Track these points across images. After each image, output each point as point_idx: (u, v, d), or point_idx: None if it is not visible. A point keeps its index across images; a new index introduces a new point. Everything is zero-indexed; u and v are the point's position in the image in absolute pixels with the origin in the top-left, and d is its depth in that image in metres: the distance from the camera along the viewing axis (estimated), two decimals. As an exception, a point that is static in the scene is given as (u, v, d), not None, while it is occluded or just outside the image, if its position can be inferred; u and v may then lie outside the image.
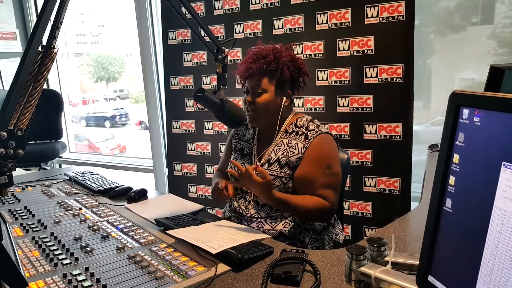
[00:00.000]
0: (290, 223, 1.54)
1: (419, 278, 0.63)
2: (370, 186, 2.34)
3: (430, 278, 0.61)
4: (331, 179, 1.52)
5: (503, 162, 0.49)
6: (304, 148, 1.53)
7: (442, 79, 2.73)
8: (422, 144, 2.41)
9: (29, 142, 3.34)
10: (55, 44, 1.02)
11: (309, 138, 1.54)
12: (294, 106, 2.02)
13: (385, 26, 2.17)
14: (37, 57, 0.98)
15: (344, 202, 2.27)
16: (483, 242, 0.51)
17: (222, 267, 1.11)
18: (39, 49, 1.00)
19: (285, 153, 1.56)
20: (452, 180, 0.57)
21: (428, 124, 2.81)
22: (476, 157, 0.53)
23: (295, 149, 1.55)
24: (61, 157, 4.12)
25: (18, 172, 2.53)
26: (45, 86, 1.02)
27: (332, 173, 1.52)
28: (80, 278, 1.05)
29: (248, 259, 1.13)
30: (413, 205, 2.27)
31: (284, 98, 1.59)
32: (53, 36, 1.02)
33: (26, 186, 2.00)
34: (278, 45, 1.63)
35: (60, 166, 4.43)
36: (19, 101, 0.94)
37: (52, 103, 3.80)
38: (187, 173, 3.00)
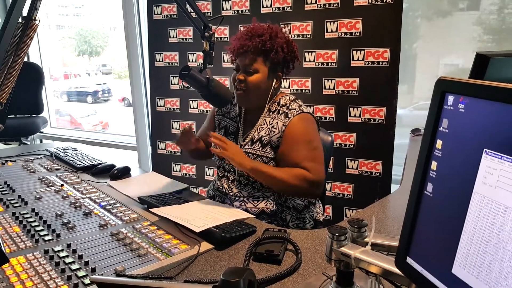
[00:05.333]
0: (272, 202, 1.55)
1: (398, 259, 0.65)
2: (352, 168, 2.37)
3: (409, 260, 0.62)
4: (313, 153, 1.51)
5: (485, 149, 0.50)
6: (284, 127, 1.52)
7: (426, 64, 2.75)
8: (405, 127, 2.45)
9: (9, 116, 3.26)
10: (36, 16, 0.98)
11: (289, 116, 1.53)
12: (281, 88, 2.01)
13: (373, 9, 2.16)
14: (17, 29, 0.95)
15: (326, 183, 2.29)
16: (461, 226, 0.53)
17: (205, 245, 1.12)
18: (20, 20, 0.96)
19: (267, 132, 1.55)
20: (434, 165, 0.58)
21: (411, 108, 2.84)
22: (459, 144, 0.54)
23: (276, 128, 1.54)
24: (42, 132, 4.05)
25: (-3, 146, 2.48)
26: (25, 59, 0.98)
27: (313, 147, 1.52)
28: (62, 254, 1.05)
29: (231, 237, 1.14)
30: (394, 187, 2.31)
31: (275, 80, 1.57)
32: (34, 7, 0.98)
33: (6, 161, 1.96)
34: (274, 25, 1.59)
35: (41, 141, 4.35)
36: (-1, 74, 0.92)
37: (33, 77, 3.70)
38: (171, 151, 2.99)
